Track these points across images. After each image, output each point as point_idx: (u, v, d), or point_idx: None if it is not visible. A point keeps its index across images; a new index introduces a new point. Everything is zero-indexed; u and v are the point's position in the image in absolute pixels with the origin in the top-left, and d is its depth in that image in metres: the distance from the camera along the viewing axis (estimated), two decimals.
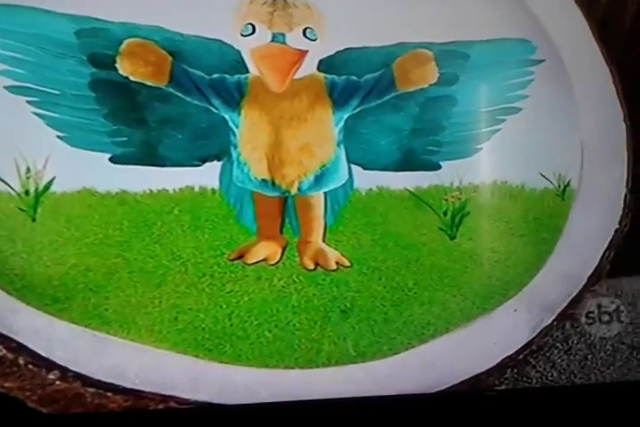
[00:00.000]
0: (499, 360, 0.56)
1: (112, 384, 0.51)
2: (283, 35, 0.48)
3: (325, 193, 0.50)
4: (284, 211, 0.50)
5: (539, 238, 0.55)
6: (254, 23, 0.47)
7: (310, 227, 0.50)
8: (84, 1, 0.46)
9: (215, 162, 0.49)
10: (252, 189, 0.49)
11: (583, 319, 0.67)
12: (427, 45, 0.51)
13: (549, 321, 0.59)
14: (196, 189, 0.48)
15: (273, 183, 0.49)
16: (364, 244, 0.50)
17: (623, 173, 0.64)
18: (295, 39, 0.48)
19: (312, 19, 0.48)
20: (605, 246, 0.62)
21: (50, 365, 0.50)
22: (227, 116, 0.48)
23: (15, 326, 0.50)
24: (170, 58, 0.47)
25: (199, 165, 0.48)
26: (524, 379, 0.62)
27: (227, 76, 0.48)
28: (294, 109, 0.48)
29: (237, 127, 0.48)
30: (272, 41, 0.47)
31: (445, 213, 0.52)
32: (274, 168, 0.49)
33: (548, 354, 0.66)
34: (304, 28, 0.48)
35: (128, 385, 0.51)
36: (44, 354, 0.50)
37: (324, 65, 0.49)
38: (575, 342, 0.68)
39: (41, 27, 0.46)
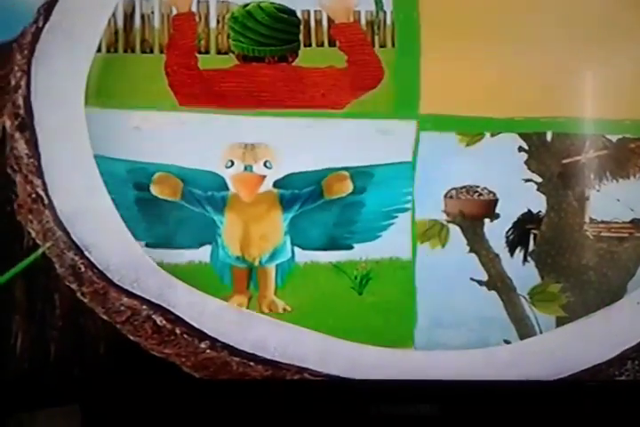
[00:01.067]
0: (619, 351, 0.61)
1: (254, 355, 0.59)
2: (251, 166, 0.74)
3: (277, 265, 0.75)
4: (250, 276, 0.75)
5: None
6: (233, 159, 0.73)
7: (266, 286, 0.74)
8: (132, 150, 0.72)
9: (208, 246, 0.74)
10: (230, 262, 0.74)
11: None
12: (345, 168, 0.75)
13: None
14: (196, 262, 0.73)
15: (243, 259, 0.75)
16: (301, 297, 0.73)
17: None
18: (259, 168, 0.74)
19: (270, 155, 0.75)
20: None
21: (202, 335, 0.58)
22: (215, 218, 0.75)
23: (173, 301, 0.60)
24: (181, 183, 0.74)
25: (197, 248, 0.73)
26: None
27: (215, 193, 0.74)
28: (257, 212, 0.74)
29: (222, 224, 0.74)
30: (244, 170, 0.74)
31: (355, 278, 0.74)
32: (244, 249, 0.74)
33: None
34: (264, 161, 0.74)
35: (268, 356, 0.60)
36: (196, 326, 0.60)
37: (278, 184, 0.75)
38: None
39: (113, 168, 0.72)
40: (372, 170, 0.75)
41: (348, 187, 0.75)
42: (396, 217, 0.76)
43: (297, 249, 0.75)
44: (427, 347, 0.72)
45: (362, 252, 0.75)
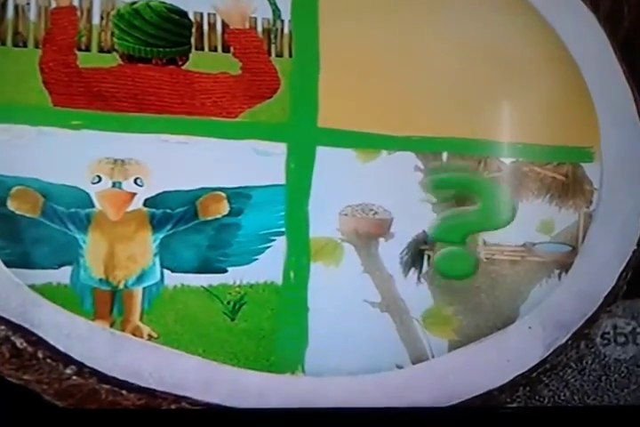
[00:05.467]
0: (511, 377, 0.62)
1: (127, 382, 0.55)
2: (120, 182, 0.75)
3: (144, 288, 0.76)
4: (113, 299, 0.76)
5: None
6: (100, 175, 0.74)
7: (131, 310, 0.76)
8: None
9: (68, 266, 0.74)
10: (92, 285, 0.75)
11: (598, 340, 0.68)
12: (222, 189, 0.75)
13: (564, 340, 0.64)
14: (54, 284, 0.73)
15: (107, 281, 0.75)
16: (169, 322, 0.75)
17: None
18: (128, 185, 0.74)
19: (141, 172, 0.75)
20: (623, 267, 0.68)
21: (67, 360, 0.54)
22: (78, 237, 0.75)
23: (36, 321, 0.56)
24: (42, 199, 0.74)
25: (57, 268, 0.73)
26: (537, 397, 0.63)
27: (79, 210, 0.75)
28: (125, 232, 0.76)
29: (85, 243, 0.75)
30: (112, 187, 0.74)
31: (229, 303, 0.76)
32: (108, 271, 0.75)
33: (561, 373, 0.66)
34: (135, 178, 0.74)
35: (142, 384, 0.56)
36: (62, 349, 0.55)
37: (149, 202, 0.76)
38: (589, 362, 0.68)
39: None
40: (251, 191, 0.77)
41: (225, 208, 0.76)
42: (274, 240, 0.78)
43: (166, 271, 0.76)
44: (317, 372, 0.74)
45: (236, 275, 0.77)
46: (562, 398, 0.67)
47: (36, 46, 0.76)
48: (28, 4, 0.77)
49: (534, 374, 0.64)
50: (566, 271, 0.78)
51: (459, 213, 0.82)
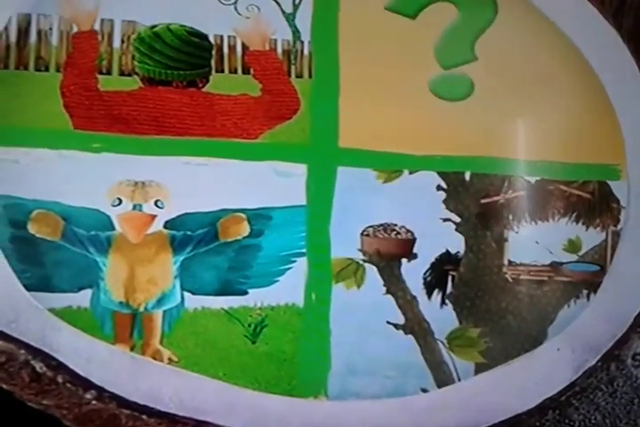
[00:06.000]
0: (540, 401, 0.61)
1: (147, 407, 0.56)
2: (140, 205, 0.75)
3: (164, 311, 0.76)
4: (133, 323, 0.76)
5: None
6: (121, 197, 0.74)
7: (151, 334, 0.75)
8: (9, 185, 0.73)
9: (88, 290, 0.74)
10: (112, 308, 0.75)
11: (629, 361, 0.65)
12: (242, 210, 0.75)
13: (594, 362, 0.63)
14: (74, 307, 0.73)
15: (127, 304, 0.75)
16: (189, 346, 0.74)
17: None
18: (149, 208, 0.75)
19: (161, 194, 0.76)
20: None
21: (87, 384, 0.54)
22: (98, 259, 0.75)
23: (56, 345, 0.57)
24: (63, 222, 0.75)
25: (77, 292, 0.74)
26: (567, 421, 0.62)
27: (100, 232, 0.75)
28: (145, 254, 0.75)
29: (105, 266, 0.75)
30: (133, 209, 0.74)
31: (249, 325, 0.76)
32: (129, 294, 0.75)
33: (591, 396, 0.64)
34: (155, 200, 0.75)
35: (163, 408, 0.58)
36: (82, 373, 0.56)
37: (169, 224, 0.77)
38: (621, 384, 0.65)
39: None
40: (272, 212, 0.77)
41: (245, 229, 0.76)
42: (294, 261, 0.78)
43: (187, 294, 0.76)
44: (340, 396, 0.73)
45: (257, 297, 0.76)
46: (593, 421, 0.65)
47: (58, 70, 0.77)
48: (51, 28, 0.78)
49: (564, 398, 0.63)
50: (595, 291, 0.77)
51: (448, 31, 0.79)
